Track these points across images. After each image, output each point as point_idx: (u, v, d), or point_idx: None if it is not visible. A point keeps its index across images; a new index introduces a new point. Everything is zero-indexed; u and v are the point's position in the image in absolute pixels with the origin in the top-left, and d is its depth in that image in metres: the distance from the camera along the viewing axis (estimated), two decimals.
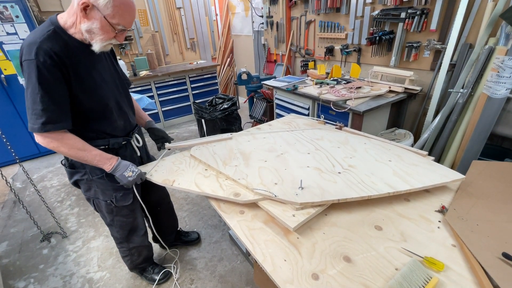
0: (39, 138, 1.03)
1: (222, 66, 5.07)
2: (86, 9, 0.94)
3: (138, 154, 1.36)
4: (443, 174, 1.05)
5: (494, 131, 1.71)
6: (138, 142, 1.35)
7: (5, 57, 2.91)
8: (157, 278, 1.66)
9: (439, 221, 0.89)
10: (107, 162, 1.12)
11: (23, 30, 2.91)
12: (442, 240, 0.81)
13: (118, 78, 1.24)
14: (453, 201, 0.96)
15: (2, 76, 2.95)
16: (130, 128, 1.31)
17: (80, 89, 1.04)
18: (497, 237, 0.79)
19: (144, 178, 1.19)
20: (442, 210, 0.92)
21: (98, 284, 1.73)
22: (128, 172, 1.14)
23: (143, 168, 1.25)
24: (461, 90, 1.84)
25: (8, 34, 2.84)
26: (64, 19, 1.01)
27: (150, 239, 1.71)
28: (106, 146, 1.19)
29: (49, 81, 0.95)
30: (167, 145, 1.43)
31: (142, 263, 1.65)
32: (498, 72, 1.60)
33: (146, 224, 1.59)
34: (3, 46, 2.86)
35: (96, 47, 1.01)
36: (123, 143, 1.26)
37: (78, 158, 1.09)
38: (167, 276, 1.71)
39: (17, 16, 2.84)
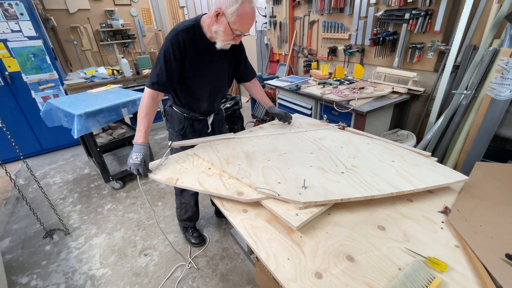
0: (145, 90, 1.32)
1: None
2: (218, 15, 1.20)
3: (209, 130, 1.63)
4: (447, 175, 1.05)
5: (498, 133, 1.70)
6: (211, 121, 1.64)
7: (10, 54, 2.92)
8: (193, 242, 1.97)
9: (442, 222, 0.89)
10: (138, 136, 1.28)
11: (28, 28, 2.92)
12: (445, 241, 0.81)
13: (227, 74, 1.52)
14: (456, 202, 0.96)
15: (6, 73, 2.96)
16: (210, 110, 1.61)
17: (187, 72, 1.35)
18: (501, 238, 0.79)
19: (142, 173, 1.18)
20: (445, 211, 0.93)
21: (100, 281, 1.74)
22: (133, 155, 1.20)
23: (151, 165, 1.25)
24: (465, 92, 1.84)
25: (12, 31, 2.86)
26: (204, 19, 1.30)
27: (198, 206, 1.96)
28: (187, 115, 1.53)
29: (170, 56, 1.27)
30: (171, 143, 1.43)
31: (185, 220, 1.95)
32: (502, 74, 1.59)
33: None
34: (8, 43, 2.87)
35: (218, 45, 1.29)
36: (199, 118, 1.56)
37: (137, 117, 1.31)
38: (202, 242, 1.99)
39: (21, 14, 2.85)
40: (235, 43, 1.31)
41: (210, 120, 1.60)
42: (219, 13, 1.19)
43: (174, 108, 1.55)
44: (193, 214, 1.92)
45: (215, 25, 1.24)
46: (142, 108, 1.30)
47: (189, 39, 1.28)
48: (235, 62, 1.54)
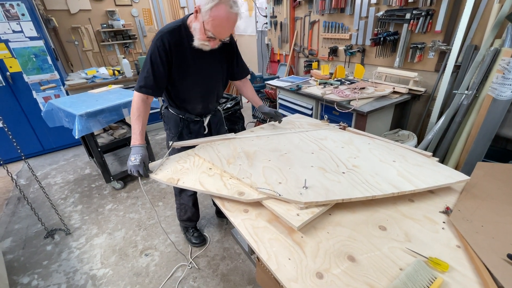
0: (134, 94, 1.32)
1: None
2: (196, 12, 1.18)
3: (205, 131, 1.61)
4: (448, 175, 1.05)
5: (499, 133, 1.70)
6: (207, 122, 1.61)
7: (11, 55, 2.93)
8: (194, 242, 1.97)
9: (444, 222, 0.89)
10: (134, 139, 1.28)
11: (29, 28, 2.93)
12: (447, 241, 0.81)
13: (220, 73, 1.49)
14: (458, 202, 0.96)
15: (8, 73, 2.97)
16: (206, 112, 1.58)
17: (175, 73, 1.34)
18: (502, 238, 0.79)
19: (142, 174, 1.19)
20: (447, 211, 0.92)
21: (101, 281, 1.74)
22: (132, 157, 1.21)
23: (152, 165, 1.26)
24: (466, 92, 1.83)
25: (14, 32, 2.87)
26: (190, 18, 1.28)
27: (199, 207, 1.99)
28: (182, 117, 1.53)
29: (156, 59, 1.26)
30: (172, 143, 1.43)
31: (185, 221, 1.96)
32: (504, 74, 1.59)
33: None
34: (9, 44, 2.88)
35: (195, 43, 1.25)
36: (195, 119, 1.55)
37: (131, 120, 1.31)
38: (203, 242, 1.99)
39: (23, 14, 2.86)
40: (210, 46, 1.25)
41: (206, 121, 1.59)
42: (197, 10, 1.17)
43: (169, 109, 1.55)
44: (193, 215, 1.92)
45: (194, 22, 1.22)
46: (134, 111, 1.30)
47: (174, 41, 1.27)
48: (227, 62, 1.51)
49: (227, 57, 1.49)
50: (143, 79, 1.30)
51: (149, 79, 1.29)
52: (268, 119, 1.70)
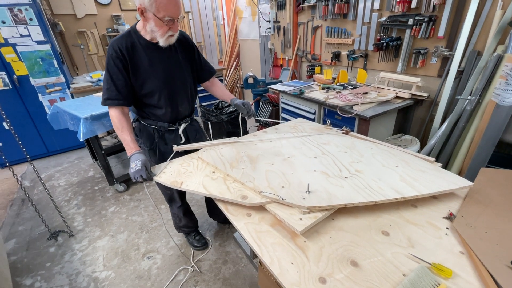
0: (108, 109, 1.32)
1: (229, 69, 5.12)
2: (142, 13, 1.18)
3: (182, 140, 1.52)
4: (451, 180, 1.05)
5: (502, 139, 1.69)
6: (183, 131, 1.54)
7: (18, 58, 2.98)
8: (196, 245, 1.96)
9: (447, 228, 0.88)
10: (129, 149, 1.28)
11: (36, 33, 2.98)
12: (450, 247, 0.81)
13: (184, 73, 1.45)
14: (461, 208, 0.96)
15: (15, 76, 3.02)
16: (178, 117, 1.53)
17: (134, 79, 1.32)
18: (506, 245, 0.79)
19: (146, 177, 1.18)
20: (450, 217, 0.92)
21: (104, 283, 1.75)
22: (132, 164, 1.20)
23: (154, 169, 1.27)
24: (469, 97, 1.83)
25: (21, 36, 2.92)
26: (139, 24, 1.30)
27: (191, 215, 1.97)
28: (155, 127, 1.48)
29: (113, 68, 1.26)
30: (175, 147, 1.44)
31: (183, 227, 1.95)
32: (507, 79, 1.59)
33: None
34: (17, 47, 2.93)
35: (161, 42, 1.26)
36: (169, 128, 1.50)
37: (117, 134, 1.31)
38: (205, 245, 1.98)
39: (30, 19, 2.92)
40: (173, 32, 1.25)
41: (180, 129, 1.52)
42: (142, 10, 1.17)
43: (141, 121, 1.51)
44: (187, 223, 1.92)
45: (147, 24, 1.22)
46: (116, 125, 1.30)
47: (125, 45, 1.27)
48: (190, 61, 1.48)
49: (188, 57, 1.47)
50: (105, 91, 1.29)
51: (111, 89, 1.28)
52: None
